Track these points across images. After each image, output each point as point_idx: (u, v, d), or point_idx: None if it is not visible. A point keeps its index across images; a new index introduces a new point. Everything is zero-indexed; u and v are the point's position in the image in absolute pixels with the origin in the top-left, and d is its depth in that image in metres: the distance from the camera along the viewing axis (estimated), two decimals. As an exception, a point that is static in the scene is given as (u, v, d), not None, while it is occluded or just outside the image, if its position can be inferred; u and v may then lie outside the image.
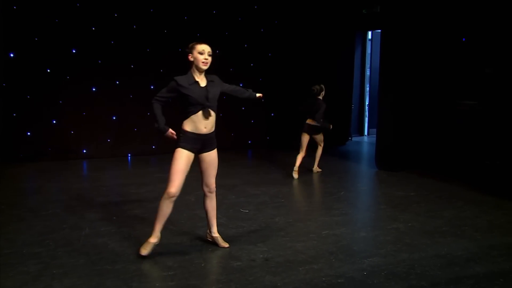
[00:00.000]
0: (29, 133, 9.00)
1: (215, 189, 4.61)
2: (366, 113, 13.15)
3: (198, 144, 4.36)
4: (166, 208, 4.35)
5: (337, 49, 11.36)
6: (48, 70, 9.03)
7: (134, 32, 9.55)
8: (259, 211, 6.01)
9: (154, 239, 4.46)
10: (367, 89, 12.98)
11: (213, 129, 4.42)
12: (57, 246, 4.71)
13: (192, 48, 4.33)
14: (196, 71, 4.34)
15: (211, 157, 4.48)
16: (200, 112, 4.29)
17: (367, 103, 13.08)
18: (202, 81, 4.36)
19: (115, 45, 9.42)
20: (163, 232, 4.80)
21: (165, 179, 4.36)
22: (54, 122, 9.20)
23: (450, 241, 4.96)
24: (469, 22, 8.08)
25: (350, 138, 12.33)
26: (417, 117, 8.73)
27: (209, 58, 4.32)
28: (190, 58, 4.33)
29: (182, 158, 4.30)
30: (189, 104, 4.27)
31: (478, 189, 7.17)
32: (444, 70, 8.50)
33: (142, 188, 7.06)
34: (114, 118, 9.62)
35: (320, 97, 8.23)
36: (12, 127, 8.84)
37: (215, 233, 4.76)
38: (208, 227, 4.80)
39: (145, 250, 4.43)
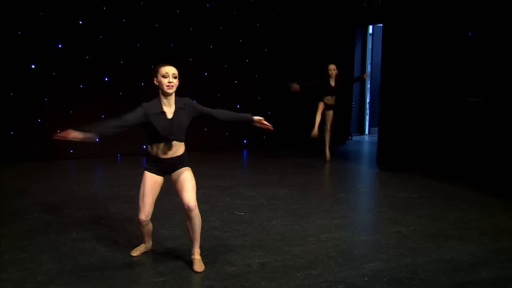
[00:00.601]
0: (12, 133, 8.96)
1: (195, 206, 4.24)
2: (367, 111, 13.16)
3: (163, 166, 4.29)
4: (144, 229, 4.55)
5: (337, 44, 11.35)
6: (33, 66, 8.98)
7: (123, 26, 9.51)
8: (255, 213, 6.00)
9: (146, 245, 4.70)
10: (368, 86, 12.99)
11: (178, 153, 4.30)
12: (42, 251, 4.68)
13: (156, 71, 4.20)
14: (163, 96, 4.18)
15: (178, 174, 4.32)
16: (163, 143, 4.21)
17: (368, 101, 13.09)
18: (170, 110, 4.19)
19: (104, 39, 9.38)
20: (153, 236, 4.79)
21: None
22: (39, 120, 9.15)
23: (455, 245, 4.96)
24: (475, 15, 8.09)
25: (350, 137, 12.33)
26: (420, 115, 8.74)
27: (174, 81, 4.15)
28: (155, 82, 4.19)
29: (147, 182, 4.33)
30: (152, 133, 4.18)
31: (483, 190, 7.18)
32: (449, 65, 8.50)
33: (132, 190, 7.03)
34: (103, 116, 9.55)
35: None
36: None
37: (193, 254, 4.38)
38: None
39: (135, 252, 4.62)
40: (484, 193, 7.03)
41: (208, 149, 10.07)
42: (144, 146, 4.41)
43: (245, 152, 10.64)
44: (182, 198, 4.28)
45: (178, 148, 4.30)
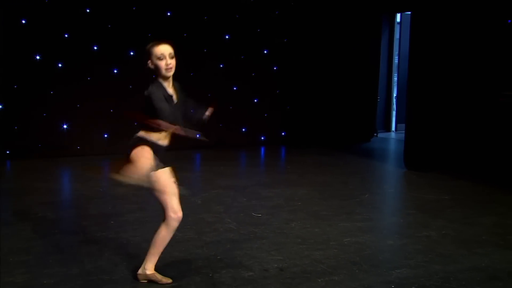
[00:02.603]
0: (16, 128, 9.05)
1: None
2: (394, 106, 13.07)
3: (161, 154, 4.06)
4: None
5: (361, 34, 11.27)
6: (38, 57, 9.06)
7: (133, 14, 9.55)
8: (272, 215, 6.00)
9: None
10: (395, 79, 12.89)
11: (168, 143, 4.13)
12: (47, 253, 4.73)
13: (149, 53, 3.96)
14: (162, 80, 3.97)
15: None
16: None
17: (394, 95, 12.99)
18: (173, 93, 4.03)
19: (113, 29, 9.43)
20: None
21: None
22: (45, 115, 9.24)
23: (491, 252, 4.89)
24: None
25: (375, 134, 12.26)
26: (452, 110, 8.63)
27: (173, 62, 3.93)
28: (150, 65, 3.97)
29: (164, 177, 4.08)
30: (158, 117, 3.87)
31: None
32: (484, 56, 8.37)
33: (142, 189, 7.05)
34: (111, 111, 9.63)
35: None
36: (-2, 120, 8.89)
37: (148, 269, 4.16)
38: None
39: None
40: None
41: (223, 146, 10.08)
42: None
43: (262, 150, 10.63)
44: (172, 204, 4.04)
45: (170, 136, 4.10)
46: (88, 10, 9.26)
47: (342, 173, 8.38)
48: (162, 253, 4.27)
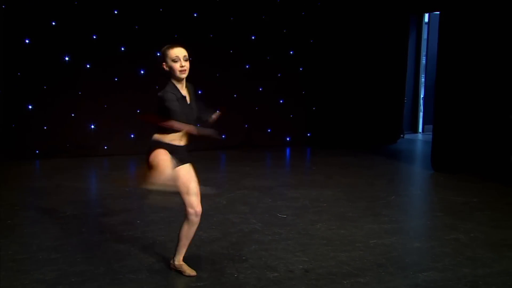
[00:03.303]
0: (45, 128, 9.20)
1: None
2: (421, 107, 12.95)
3: (179, 155, 4.17)
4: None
5: (389, 35, 11.19)
6: (67, 58, 9.20)
7: (160, 16, 9.63)
8: (298, 216, 5.99)
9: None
10: (422, 80, 12.78)
11: (187, 142, 4.22)
12: (75, 252, 4.80)
13: (164, 55, 4.07)
14: (175, 81, 4.08)
15: (186, 169, 4.29)
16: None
17: (422, 96, 12.87)
18: (187, 94, 4.15)
19: (140, 30, 9.52)
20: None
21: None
22: (73, 115, 9.37)
23: (521, 256, 4.82)
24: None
25: (402, 135, 12.15)
26: (480, 112, 8.51)
27: (187, 64, 4.05)
28: (165, 67, 4.07)
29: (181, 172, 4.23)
30: (171, 119, 3.97)
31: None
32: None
33: (171, 194, 7.11)
34: (138, 111, 9.73)
35: None
36: (28, 121, 9.05)
37: (179, 260, 4.39)
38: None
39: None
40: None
41: (248, 147, 10.10)
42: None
43: (288, 150, 10.63)
44: (192, 200, 4.21)
45: (188, 136, 4.19)
46: (116, 12, 9.37)
47: (368, 174, 8.33)
48: (188, 251, 4.38)
